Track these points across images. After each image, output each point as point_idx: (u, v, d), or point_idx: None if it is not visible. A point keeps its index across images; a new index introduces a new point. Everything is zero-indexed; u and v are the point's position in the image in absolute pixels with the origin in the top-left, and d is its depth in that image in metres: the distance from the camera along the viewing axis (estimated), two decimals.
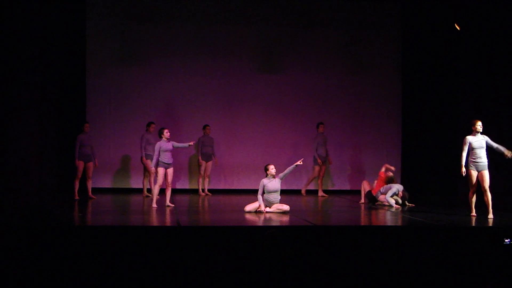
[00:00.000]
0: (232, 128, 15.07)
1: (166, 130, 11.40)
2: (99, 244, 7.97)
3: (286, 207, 10.78)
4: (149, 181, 13.03)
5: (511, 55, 11.89)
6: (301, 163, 10.99)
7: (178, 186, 14.87)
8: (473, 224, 9.69)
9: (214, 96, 14.97)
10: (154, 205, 11.21)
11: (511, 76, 11.96)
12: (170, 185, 11.50)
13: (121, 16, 14.74)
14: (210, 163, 14.03)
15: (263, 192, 10.84)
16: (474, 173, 10.10)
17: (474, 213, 10.28)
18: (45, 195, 12.32)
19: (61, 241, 7.90)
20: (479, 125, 10.16)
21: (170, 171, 11.37)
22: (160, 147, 11.26)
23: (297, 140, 15.13)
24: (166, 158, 11.31)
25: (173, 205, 11.34)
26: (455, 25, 12.97)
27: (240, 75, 15.09)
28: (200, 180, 14.07)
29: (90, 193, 12.95)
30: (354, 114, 15.31)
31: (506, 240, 8.08)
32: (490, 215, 10.02)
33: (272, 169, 10.92)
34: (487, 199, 10.08)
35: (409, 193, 12.23)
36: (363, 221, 10.56)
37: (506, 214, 10.79)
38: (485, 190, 10.06)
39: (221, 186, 14.90)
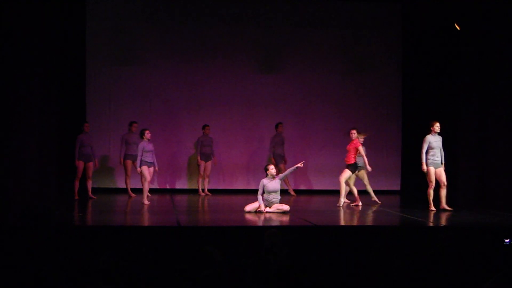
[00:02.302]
0: (232, 128, 15.07)
1: (147, 131, 12.10)
2: (99, 244, 7.97)
3: (286, 207, 10.78)
4: (126, 182, 13.49)
5: (511, 55, 11.89)
6: (302, 165, 11.01)
7: (178, 186, 14.90)
8: (473, 224, 9.69)
9: (214, 96, 14.97)
10: (146, 202, 11.85)
11: None
12: (149, 184, 12.26)
13: (121, 16, 14.74)
14: (209, 163, 14.04)
15: (263, 192, 10.85)
16: (433, 170, 11.02)
17: (433, 208, 11.02)
18: (45, 195, 12.31)
19: (61, 241, 7.90)
20: (437, 126, 11.09)
21: (151, 170, 12.11)
22: (143, 148, 11.94)
23: (297, 140, 15.13)
24: (149, 157, 12.04)
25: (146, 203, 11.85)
26: (455, 25, 12.97)
27: (240, 75, 15.09)
28: (200, 180, 14.07)
29: (90, 193, 12.96)
30: (354, 114, 15.30)
31: (506, 240, 8.09)
32: (447, 207, 11.03)
33: (272, 169, 10.94)
34: (444, 193, 11.09)
35: (408, 193, 12.30)
36: (363, 221, 10.56)
37: (506, 214, 10.80)
38: (444, 185, 11.07)
39: (221, 186, 14.90)
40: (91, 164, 12.94)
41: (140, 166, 11.94)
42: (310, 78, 15.19)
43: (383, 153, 15.28)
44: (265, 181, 10.90)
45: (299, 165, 11.01)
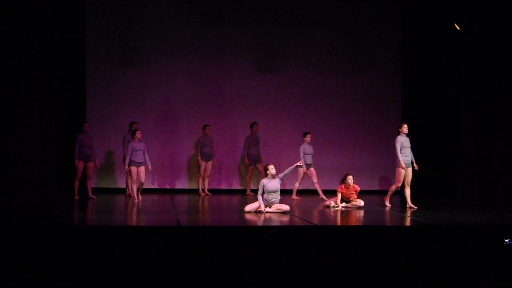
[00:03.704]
0: (232, 128, 15.07)
1: (138, 132, 12.30)
2: (99, 244, 7.97)
3: (286, 207, 10.78)
4: (127, 181, 13.50)
5: (511, 55, 11.89)
6: (301, 164, 11.01)
7: (178, 186, 14.90)
8: (473, 224, 9.68)
9: (214, 96, 14.98)
10: (136, 199, 12.19)
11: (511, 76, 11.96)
12: (143, 182, 12.36)
13: (120, 16, 14.75)
14: (210, 163, 14.04)
15: (263, 192, 10.84)
16: (403, 172, 11.48)
17: (389, 204, 11.80)
18: (45, 195, 12.30)
19: (61, 241, 7.90)
20: (405, 128, 11.56)
21: (142, 169, 12.23)
22: (132, 147, 12.13)
23: (297, 140, 15.12)
24: (137, 157, 12.17)
25: (140, 200, 12.15)
26: (455, 25, 12.97)
27: (240, 75, 15.10)
28: (200, 180, 14.07)
29: (90, 193, 12.97)
30: (354, 114, 15.31)
31: (506, 240, 8.08)
32: (412, 206, 11.46)
33: (272, 169, 10.93)
34: (409, 192, 11.57)
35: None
36: (363, 221, 10.56)
37: (506, 214, 10.80)
38: (409, 185, 11.54)
39: (221, 186, 14.91)
40: (91, 164, 12.94)
41: (128, 165, 12.16)
42: (310, 78, 15.20)
43: (383, 153, 15.29)
44: (265, 181, 10.90)
45: (298, 164, 11.01)
